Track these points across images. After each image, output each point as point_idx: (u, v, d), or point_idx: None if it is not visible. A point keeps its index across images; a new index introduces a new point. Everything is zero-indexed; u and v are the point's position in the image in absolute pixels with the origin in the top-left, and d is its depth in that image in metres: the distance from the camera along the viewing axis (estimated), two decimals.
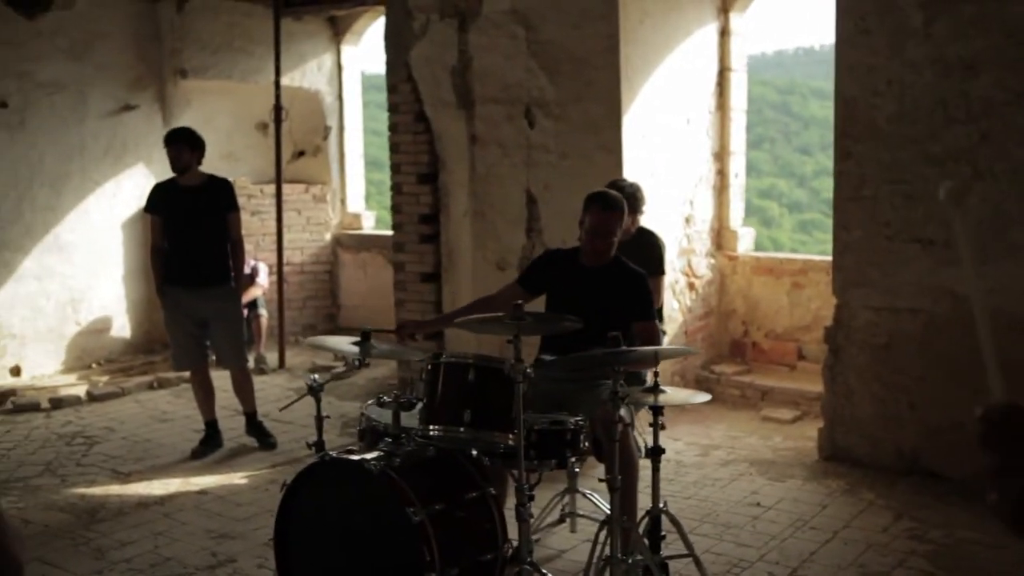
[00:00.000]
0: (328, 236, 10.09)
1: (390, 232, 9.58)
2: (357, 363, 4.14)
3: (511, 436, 3.76)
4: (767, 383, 7.28)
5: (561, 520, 5.06)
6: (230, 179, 6.82)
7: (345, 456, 3.80)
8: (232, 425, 6.93)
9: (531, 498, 3.86)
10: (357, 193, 10.34)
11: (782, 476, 5.86)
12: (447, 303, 7.67)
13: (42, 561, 4.87)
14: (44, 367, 8.79)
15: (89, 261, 9.00)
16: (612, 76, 6.58)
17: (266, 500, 5.69)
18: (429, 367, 3.88)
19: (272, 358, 8.94)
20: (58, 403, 7.79)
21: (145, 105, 9.19)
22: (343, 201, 10.23)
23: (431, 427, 3.83)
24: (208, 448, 6.57)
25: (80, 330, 9.03)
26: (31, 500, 5.75)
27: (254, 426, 6.69)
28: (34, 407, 7.73)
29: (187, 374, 8.02)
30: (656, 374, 4.00)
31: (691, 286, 7.43)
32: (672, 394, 4.02)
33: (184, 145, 6.31)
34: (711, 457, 6.27)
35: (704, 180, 7.52)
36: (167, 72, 9.22)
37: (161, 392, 8.24)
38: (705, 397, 4.14)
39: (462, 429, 3.76)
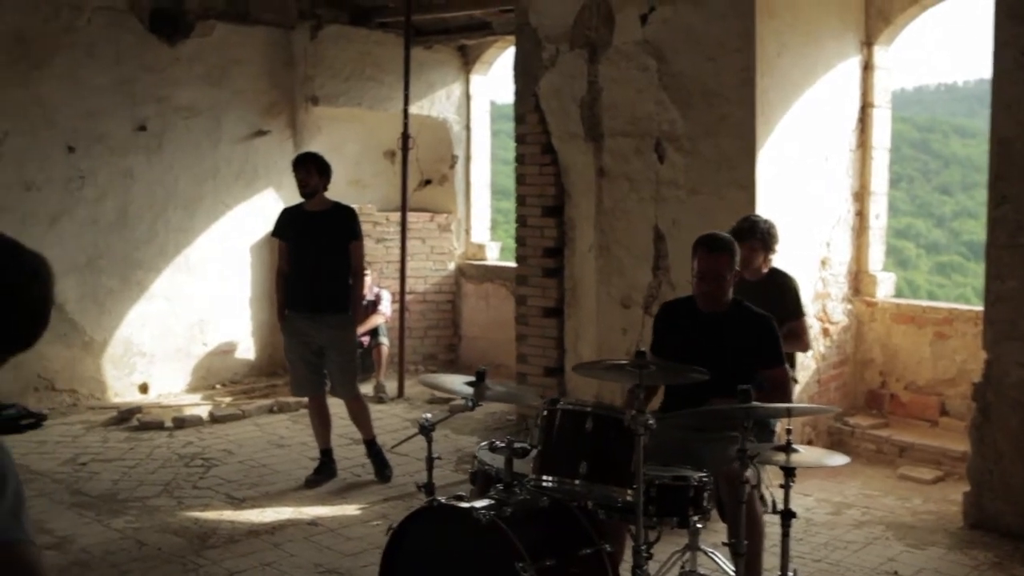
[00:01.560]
0: (452, 266, 10.03)
1: (514, 264, 9.51)
2: (471, 405, 3.97)
3: (629, 491, 3.53)
4: (906, 439, 6.83)
5: None
6: (356, 206, 6.80)
7: (454, 503, 3.63)
8: (347, 455, 6.87)
9: (649, 557, 3.62)
10: (482, 223, 10.27)
11: (922, 543, 5.44)
12: (569, 339, 7.48)
13: None
14: (170, 386, 8.93)
15: (218, 283, 9.14)
16: (747, 110, 6.32)
17: (376, 536, 5.57)
18: (545, 413, 3.69)
19: (391, 387, 8.89)
20: (181, 423, 7.87)
21: (277, 131, 9.31)
22: (468, 231, 10.17)
23: (544, 477, 3.63)
24: (322, 477, 6.51)
25: (206, 351, 9.16)
26: (147, 521, 5.77)
27: (374, 454, 6.60)
28: (158, 425, 7.84)
29: (306, 400, 8.08)
30: (789, 431, 3.71)
31: (825, 332, 7.06)
32: (805, 454, 3.73)
33: (312, 169, 6.30)
34: (843, 517, 5.89)
35: (842, 221, 7.15)
36: (299, 99, 9.34)
37: (280, 416, 8.26)
38: (843, 460, 3.84)
39: (577, 481, 3.55)
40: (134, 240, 8.57)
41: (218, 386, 9.17)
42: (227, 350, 9.31)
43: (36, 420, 8.76)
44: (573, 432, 3.60)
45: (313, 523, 5.79)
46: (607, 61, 6.91)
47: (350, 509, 6.06)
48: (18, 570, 1.53)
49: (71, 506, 6.01)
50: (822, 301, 7.05)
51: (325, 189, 6.38)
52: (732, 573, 4.45)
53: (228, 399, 8.76)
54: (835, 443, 6.94)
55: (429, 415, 4.16)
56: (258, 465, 6.92)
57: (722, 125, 6.42)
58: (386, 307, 9.13)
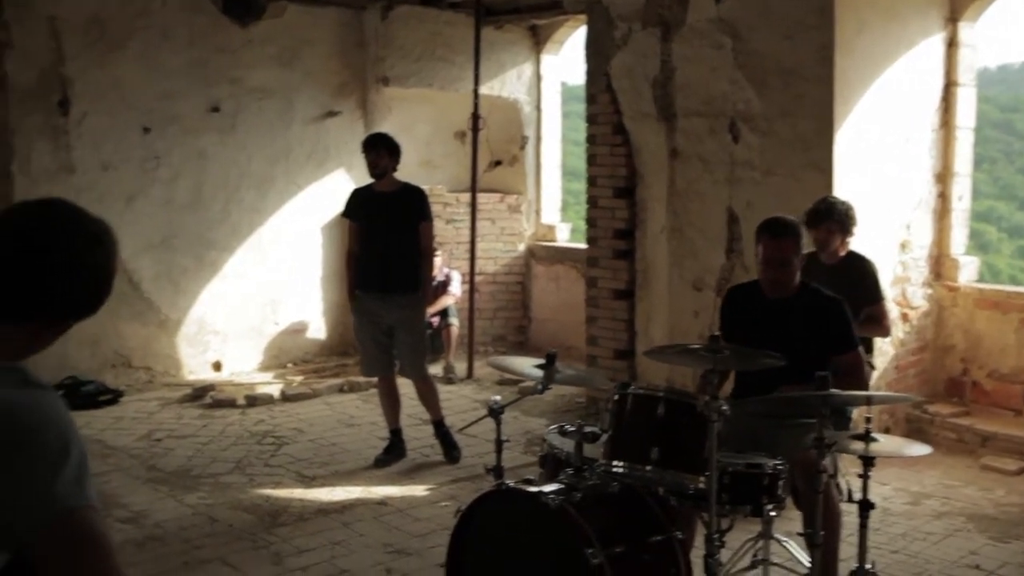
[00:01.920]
0: (521, 247, 9.98)
1: (584, 245, 9.42)
2: (540, 388, 3.92)
3: (702, 478, 3.45)
4: (989, 428, 6.62)
5: (752, 566, 4.68)
6: (426, 187, 6.79)
7: (522, 487, 3.58)
8: (416, 435, 6.88)
9: (721, 545, 3.54)
10: (552, 204, 10.20)
11: (1005, 536, 5.27)
12: (640, 322, 7.39)
13: (223, 562, 4.90)
14: (243, 364, 9.04)
15: (289, 263, 9.21)
16: (825, 89, 6.14)
17: (444, 517, 5.55)
18: (616, 397, 3.62)
19: (461, 368, 8.89)
20: (253, 401, 7.96)
21: (347, 111, 9.34)
22: (538, 212, 10.10)
23: (615, 462, 3.57)
24: (391, 457, 6.52)
25: (278, 330, 9.25)
26: (219, 497, 5.84)
27: (441, 435, 6.61)
28: (231, 403, 7.93)
29: (375, 380, 8.11)
30: (868, 419, 3.60)
31: (905, 317, 6.87)
32: (885, 443, 3.61)
33: (383, 150, 6.29)
34: (922, 507, 5.73)
35: (923, 203, 6.94)
36: (370, 79, 9.35)
37: (350, 395, 8.31)
38: (924, 450, 3.71)
39: (648, 468, 3.48)
40: (208, 220, 8.67)
41: (289, 365, 9.26)
42: (298, 329, 9.39)
43: (113, 396, 8.99)
44: (645, 417, 3.53)
45: (382, 503, 5.81)
46: (681, 39, 6.77)
47: (418, 490, 6.07)
48: (82, 535, 1.53)
49: (146, 481, 6.11)
50: (901, 285, 6.85)
51: (395, 170, 6.36)
52: (807, 562, 4.35)
53: (299, 378, 8.84)
54: (913, 431, 6.75)
55: (498, 397, 4.11)
56: (328, 444, 6.97)
57: (799, 105, 6.26)
58: (456, 288, 9.12)
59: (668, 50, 6.84)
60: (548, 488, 3.56)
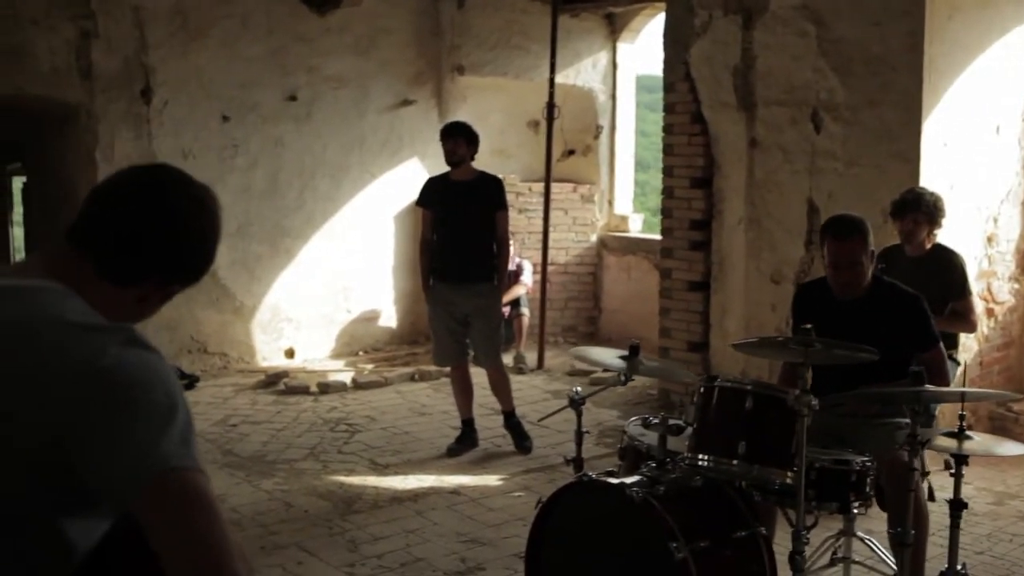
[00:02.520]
0: (593, 237, 9.91)
1: (657, 236, 9.31)
2: (623, 379, 3.88)
3: (789, 474, 3.38)
4: None
5: (832, 564, 4.59)
6: (500, 176, 6.76)
7: (605, 479, 3.54)
8: (488, 424, 6.87)
9: (806, 543, 3.47)
10: (625, 195, 10.11)
11: None
12: (715, 314, 7.29)
13: (300, 547, 4.94)
14: (315, 351, 9.12)
15: (362, 252, 9.26)
16: (913, 78, 5.98)
17: (518, 507, 5.55)
18: (702, 390, 3.56)
19: (531, 358, 8.86)
20: (325, 388, 8.03)
21: (422, 100, 9.35)
22: (610, 202, 10.03)
23: (700, 456, 3.51)
24: (463, 447, 6.52)
25: (350, 318, 9.31)
26: (295, 483, 5.89)
27: (512, 426, 6.59)
28: (303, 390, 8.01)
29: (447, 369, 8.12)
30: (962, 417, 3.49)
31: (990, 312, 6.68)
32: (978, 442, 3.50)
33: (461, 139, 6.28)
34: (1007, 508, 5.57)
35: (1012, 195, 6.73)
36: (445, 68, 9.35)
37: (421, 384, 8.33)
38: (1020, 449, 3.59)
39: (735, 462, 3.41)
40: (283, 208, 8.75)
41: (360, 353, 9.31)
42: (370, 318, 9.44)
43: (189, 382, 9.13)
44: (732, 411, 3.46)
45: (455, 492, 5.81)
46: (763, 27, 6.65)
47: (491, 479, 6.06)
48: (189, 495, 1.52)
49: (223, 466, 6.18)
50: (987, 280, 6.67)
51: (472, 159, 6.35)
52: (890, 561, 4.25)
53: (370, 366, 8.89)
54: (996, 429, 6.56)
55: (579, 388, 4.08)
56: (400, 432, 6.99)
57: (885, 93, 6.10)
58: (527, 278, 9.09)
59: (749, 38, 6.72)
60: (631, 480, 3.51)
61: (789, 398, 3.25)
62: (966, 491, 5.64)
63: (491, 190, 6.33)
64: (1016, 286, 6.87)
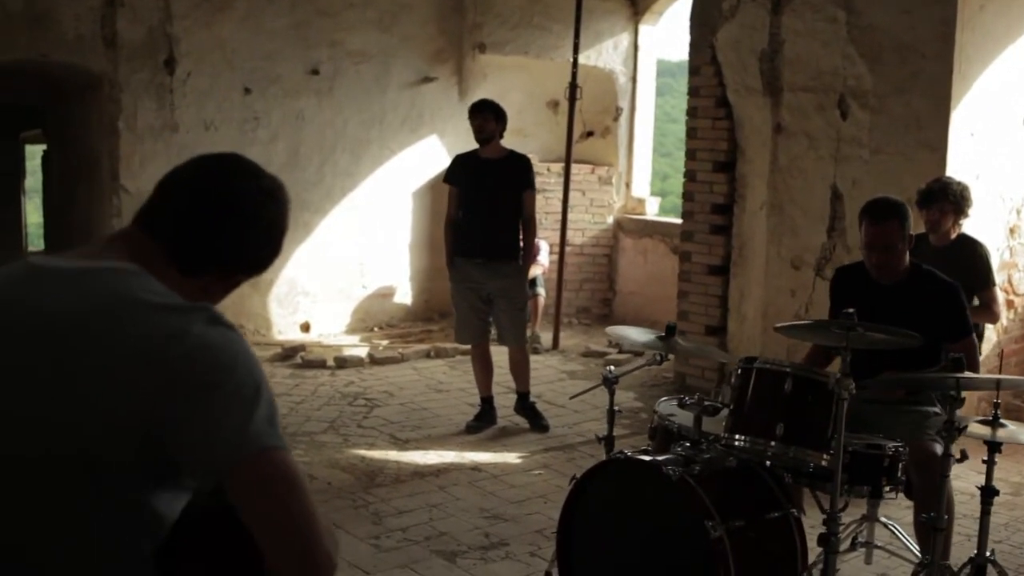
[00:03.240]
0: (610, 219, 9.92)
1: (674, 219, 9.32)
2: (659, 358, 3.90)
3: (825, 456, 3.40)
4: None
5: (853, 548, 4.63)
6: None
7: (641, 457, 3.57)
8: (505, 403, 6.90)
9: (840, 525, 3.50)
10: (643, 177, 10.11)
11: None
12: (733, 298, 7.32)
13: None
14: (331, 326, 9.14)
15: (379, 228, 9.27)
16: (943, 67, 5.98)
17: (539, 485, 5.60)
18: (740, 371, 3.59)
19: (546, 338, 8.89)
20: (342, 363, 8.06)
21: (443, 78, 9.34)
22: (628, 185, 10.03)
23: (737, 436, 3.54)
24: (482, 424, 6.56)
25: (366, 294, 9.33)
26: (316, 456, 5.92)
27: (526, 407, 6.62)
28: (320, 364, 8.04)
29: (465, 346, 8.15)
30: (996, 404, 3.52)
31: (1010, 304, 6.70)
32: (1013, 430, 3.53)
33: (490, 115, 6.29)
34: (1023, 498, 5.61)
35: None
36: (466, 46, 9.33)
37: (437, 361, 8.36)
38: None
39: (773, 443, 3.44)
40: (303, 181, 8.75)
41: (375, 329, 9.34)
42: (386, 294, 9.46)
43: None
44: (770, 393, 3.49)
45: (476, 468, 5.84)
46: (791, 12, 6.64)
47: (511, 457, 6.10)
48: (279, 475, 1.53)
49: None
50: (1008, 271, 6.68)
51: (501, 136, 6.36)
52: (913, 547, 4.29)
53: (385, 342, 8.92)
54: (1012, 420, 6.60)
55: (612, 367, 4.11)
56: (419, 408, 7.03)
57: (914, 82, 6.10)
58: (544, 258, 9.10)
59: (778, 23, 6.71)
60: (666, 459, 3.54)
61: (830, 381, 3.28)
62: (983, 481, 5.72)
63: (520, 169, 6.34)
64: None
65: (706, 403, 3.63)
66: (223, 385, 1.54)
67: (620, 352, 8.56)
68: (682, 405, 3.75)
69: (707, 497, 3.35)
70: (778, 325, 3.62)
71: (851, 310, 3.23)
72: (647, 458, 3.55)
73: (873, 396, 4.05)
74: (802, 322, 3.64)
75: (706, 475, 3.48)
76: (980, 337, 5.72)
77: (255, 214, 1.78)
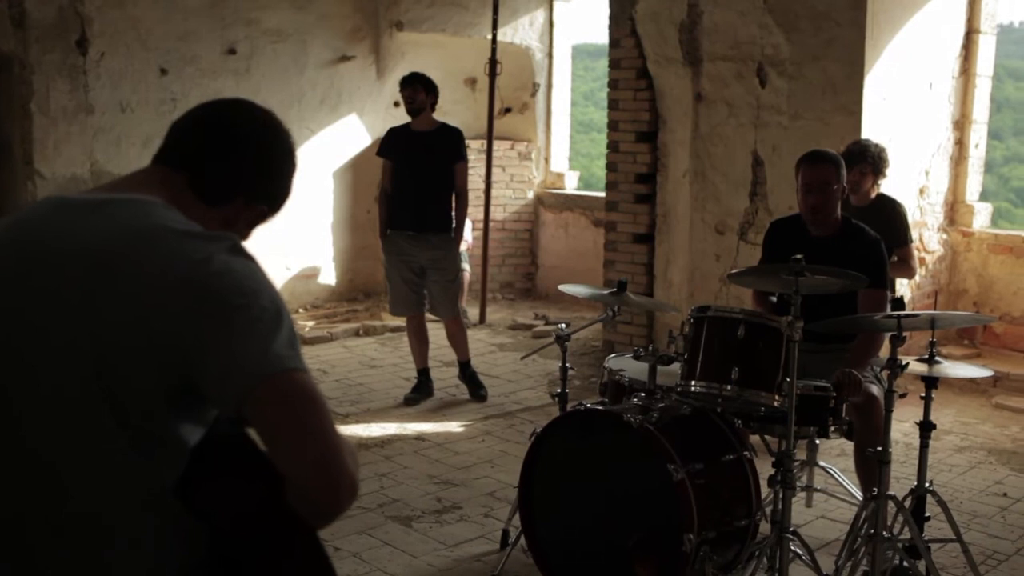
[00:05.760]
0: (531, 194, 10.03)
1: (593, 193, 9.47)
2: (612, 313, 4.01)
3: (777, 397, 3.57)
4: (1000, 369, 6.80)
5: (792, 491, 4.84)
6: None
7: (602, 408, 3.69)
8: (440, 376, 6.96)
9: (795, 463, 3.66)
10: (561, 152, 10.24)
11: None
12: (659, 265, 7.49)
13: None
14: None
15: (300, 208, 9.19)
16: (856, 33, 6.22)
17: (483, 451, 5.68)
18: (692, 321, 3.72)
19: (473, 313, 8.95)
20: None
21: (360, 56, 9.30)
22: (547, 159, 10.15)
23: (692, 383, 3.68)
24: (420, 396, 6.61)
25: (289, 275, 9.25)
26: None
27: (468, 376, 6.69)
28: None
29: (391, 323, 8.18)
30: (933, 343, 3.73)
31: (921, 261, 7.01)
32: (948, 367, 3.75)
33: (420, 87, 6.33)
34: (943, 442, 5.91)
35: (942, 149, 7.08)
36: (383, 24, 9.30)
37: (367, 339, 8.37)
38: (987, 372, 3.85)
39: (728, 387, 3.59)
40: None
41: (300, 310, 9.28)
42: (309, 275, 9.41)
43: None
44: (723, 339, 3.63)
45: (419, 438, 5.90)
46: None
47: (452, 426, 6.17)
48: (303, 393, 1.56)
49: None
50: (919, 230, 6.99)
51: (433, 109, 6.39)
52: (852, 489, 4.51)
53: (311, 323, 8.87)
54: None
55: (564, 325, 4.21)
56: (355, 384, 7.04)
57: (829, 49, 6.33)
58: (467, 234, 9.15)
59: None
60: (624, 408, 3.66)
61: (781, 325, 3.43)
62: (903, 428, 6.01)
63: (451, 141, 6.39)
64: (944, 236, 7.23)
65: (660, 354, 3.76)
66: (247, 308, 1.58)
67: (547, 324, 8.68)
68: (637, 357, 3.86)
69: (667, 442, 3.48)
70: (730, 272, 3.76)
71: (799, 256, 3.38)
72: (609, 408, 3.66)
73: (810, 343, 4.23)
74: (752, 268, 3.78)
75: (664, 422, 3.61)
76: (892, 291, 5.99)
77: (271, 144, 1.87)
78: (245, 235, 1.88)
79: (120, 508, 1.62)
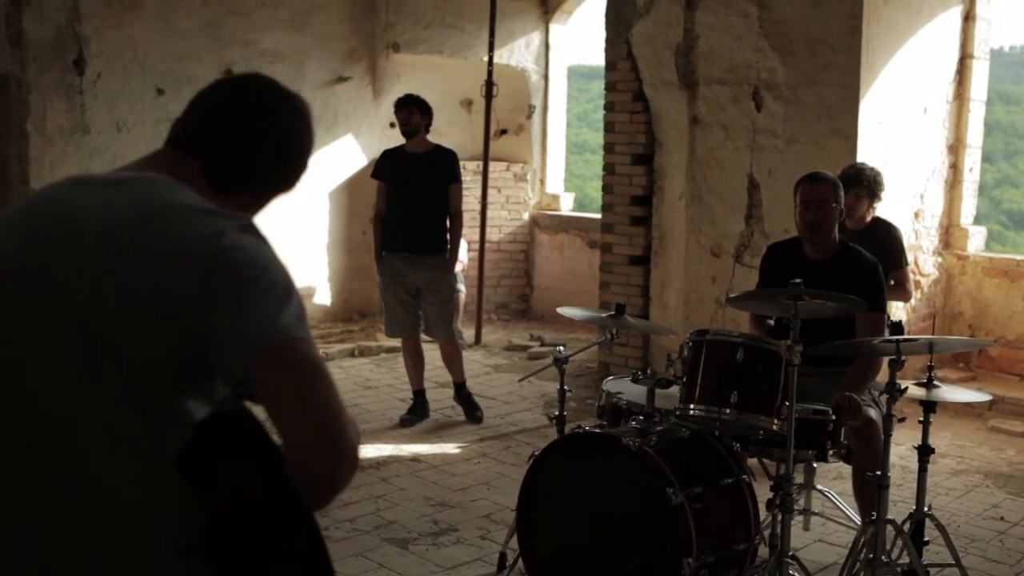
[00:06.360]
0: (526, 216, 10.04)
1: (589, 214, 9.48)
2: (610, 336, 4.01)
3: (776, 421, 3.57)
4: (996, 392, 6.80)
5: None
6: None
7: (600, 431, 3.68)
8: (436, 397, 6.95)
9: (794, 487, 3.66)
10: (557, 174, 10.27)
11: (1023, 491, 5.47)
12: (655, 288, 7.50)
13: None
14: None
15: (296, 229, 9.19)
16: (852, 58, 6.27)
17: (479, 473, 5.67)
18: (691, 344, 3.72)
19: (468, 334, 8.95)
20: None
21: (357, 77, 9.32)
22: (542, 181, 10.17)
23: (691, 406, 3.67)
24: (416, 417, 6.59)
25: None
26: None
27: (463, 397, 6.69)
28: None
29: (387, 343, 8.16)
30: (931, 367, 3.73)
31: (916, 284, 7.03)
32: (947, 391, 3.75)
33: (415, 108, 6.35)
34: (939, 465, 5.90)
35: (936, 173, 7.11)
36: (380, 45, 9.33)
37: (363, 360, 8.36)
38: (984, 396, 3.85)
39: (727, 410, 3.59)
40: None
41: None
42: (305, 295, 9.29)
43: None
44: (723, 362, 3.63)
45: (415, 460, 5.88)
46: (705, 8, 6.85)
47: (449, 447, 6.15)
48: (308, 363, 1.58)
49: None
50: (914, 253, 7.02)
51: (427, 131, 6.41)
52: (850, 512, 4.50)
53: None
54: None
55: (562, 347, 4.21)
56: (350, 405, 7.01)
57: (825, 73, 6.37)
58: (463, 255, 9.17)
59: (692, 19, 6.92)
60: (623, 431, 3.66)
61: (780, 349, 3.43)
62: (900, 451, 6.01)
63: (445, 163, 6.40)
64: (939, 259, 7.25)
65: (659, 377, 3.75)
66: (257, 281, 1.60)
67: (542, 345, 8.68)
68: (635, 380, 3.86)
69: (666, 466, 3.48)
70: (731, 296, 3.76)
71: (798, 280, 3.38)
72: (607, 432, 3.65)
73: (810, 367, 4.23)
74: (751, 291, 3.78)
75: (663, 445, 3.61)
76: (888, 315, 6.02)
77: (289, 133, 1.84)
78: (257, 211, 1.88)
79: (125, 476, 1.62)
